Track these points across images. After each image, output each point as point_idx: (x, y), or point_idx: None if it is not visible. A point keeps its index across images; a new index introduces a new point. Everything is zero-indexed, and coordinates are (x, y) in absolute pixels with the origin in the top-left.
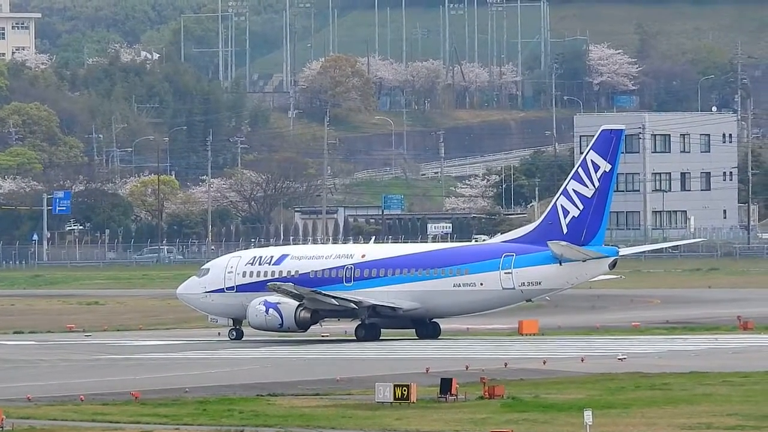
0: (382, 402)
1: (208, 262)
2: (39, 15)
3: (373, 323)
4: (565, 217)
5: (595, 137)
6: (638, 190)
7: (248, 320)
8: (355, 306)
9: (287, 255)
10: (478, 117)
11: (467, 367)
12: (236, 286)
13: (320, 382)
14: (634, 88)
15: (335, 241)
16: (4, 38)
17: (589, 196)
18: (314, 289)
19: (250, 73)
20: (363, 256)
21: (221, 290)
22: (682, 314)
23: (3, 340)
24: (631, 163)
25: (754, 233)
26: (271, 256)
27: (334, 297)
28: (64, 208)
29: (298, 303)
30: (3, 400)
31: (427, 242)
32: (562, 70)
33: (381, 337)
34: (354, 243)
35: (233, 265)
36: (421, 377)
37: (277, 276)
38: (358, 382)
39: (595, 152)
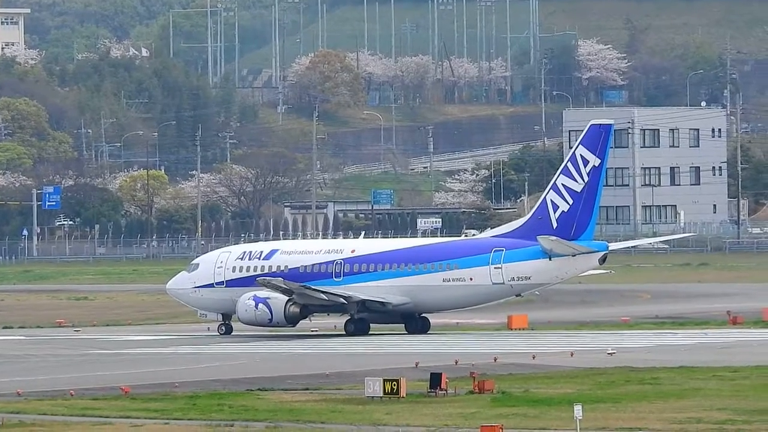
0: (372, 396)
1: (197, 257)
2: (28, 10)
3: (363, 318)
4: (554, 212)
5: (584, 132)
6: (628, 185)
7: (238, 315)
8: (344, 301)
9: (277, 250)
10: (467, 112)
11: (457, 362)
12: (226, 281)
13: (310, 377)
14: (623, 83)
15: (325, 236)
16: None
17: (579, 191)
18: (304, 284)
19: (239, 69)
20: (352, 251)
21: (211, 285)
22: (672, 309)
23: None
24: (621, 158)
25: (743, 228)
26: (261, 251)
27: (323, 292)
28: (54, 203)
29: (287, 298)
30: None
31: (416, 237)
32: (551, 65)
33: (370, 332)
34: (343, 238)
35: (223, 260)
36: (411, 372)
37: (266, 271)
38: (348, 377)
39: (585, 147)
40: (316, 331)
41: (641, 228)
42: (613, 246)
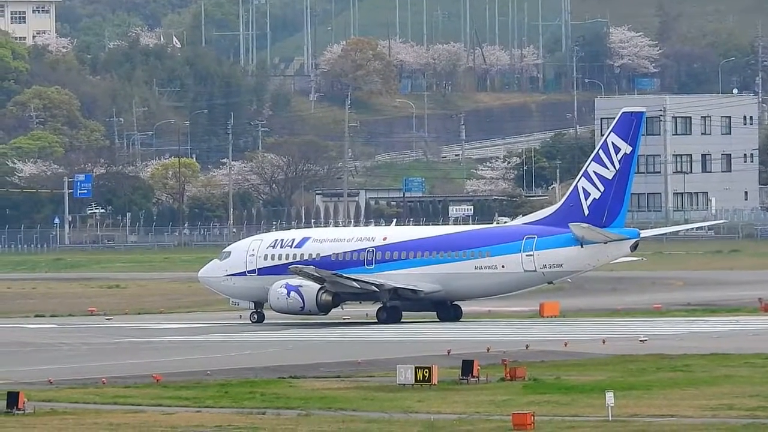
0: (404, 384)
1: (229, 245)
2: None
3: (395, 306)
4: (586, 199)
5: (616, 119)
6: (659, 172)
7: (270, 303)
8: (376, 289)
9: (309, 238)
10: (499, 99)
11: (488, 349)
12: (258, 269)
13: (342, 365)
14: (655, 70)
15: (356, 224)
16: (25, 22)
17: (610, 178)
18: (336, 272)
19: (270, 57)
20: (384, 238)
21: (243, 273)
22: (704, 296)
23: (24, 324)
24: (652, 145)
25: None
26: (293, 239)
27: (355, 280)
28: (86, 191)
29: (319, 286)
30: (25, 383)
31: (448, 225)
32: (582, 52)
33: (402, 320)
34: (375, 225)
35: (255, 248)
36: (443, 359)
37: (298, 259)
38: (380, 365)
39: (616, 134)
40: (348, 319)
41: (673, 215)
42: (644, 233)
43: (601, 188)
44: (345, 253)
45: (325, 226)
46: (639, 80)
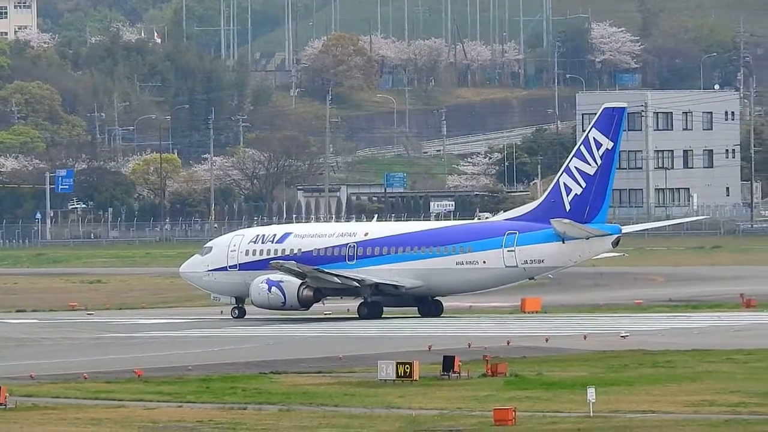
0: (385, 379)
1: (210, 240)
2: None
3: (376, 301)
4: (567, 195)
5: (598, 115)
6: (641, 168)
7: (251, 298)
8: (357, 284)
9: (290, 233)
10: (480, 95)
11: (470, 345)
12: (239, 264)
13: (323, 360)
14: (636, 66)
15: (338, 219)
16: (6, 17)
17: (592, 174)
18: (317, 267)
19: (251, 52)
20: (366, 234)
21: (224, 268)
22: (685, 292)
23: (6, 319)
24: (634, 141)
25: (756, 211)
26: (274, 235)
27: (336, 275)
28: (67, 186)
29: (300, 281)
30: (6, 377)
31: (429, 220)
32: (564, 48)
33: (383, 315)
34: (357, 221)
35: (236, 243)
36: (424, 355)
37: (279, 254)
38: (361, 360)
39: (598, 130)
40: (329, 314)
41: (654, 211)
42: (626, 229)
43: (583, 184)
44: (326, 248)
45: (307, 222)
46: (620, 76)
